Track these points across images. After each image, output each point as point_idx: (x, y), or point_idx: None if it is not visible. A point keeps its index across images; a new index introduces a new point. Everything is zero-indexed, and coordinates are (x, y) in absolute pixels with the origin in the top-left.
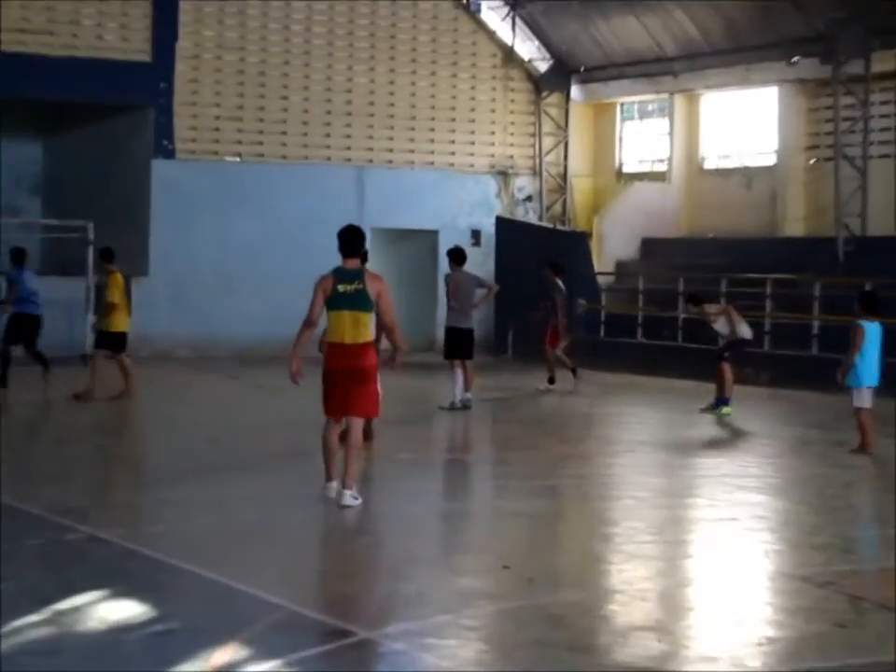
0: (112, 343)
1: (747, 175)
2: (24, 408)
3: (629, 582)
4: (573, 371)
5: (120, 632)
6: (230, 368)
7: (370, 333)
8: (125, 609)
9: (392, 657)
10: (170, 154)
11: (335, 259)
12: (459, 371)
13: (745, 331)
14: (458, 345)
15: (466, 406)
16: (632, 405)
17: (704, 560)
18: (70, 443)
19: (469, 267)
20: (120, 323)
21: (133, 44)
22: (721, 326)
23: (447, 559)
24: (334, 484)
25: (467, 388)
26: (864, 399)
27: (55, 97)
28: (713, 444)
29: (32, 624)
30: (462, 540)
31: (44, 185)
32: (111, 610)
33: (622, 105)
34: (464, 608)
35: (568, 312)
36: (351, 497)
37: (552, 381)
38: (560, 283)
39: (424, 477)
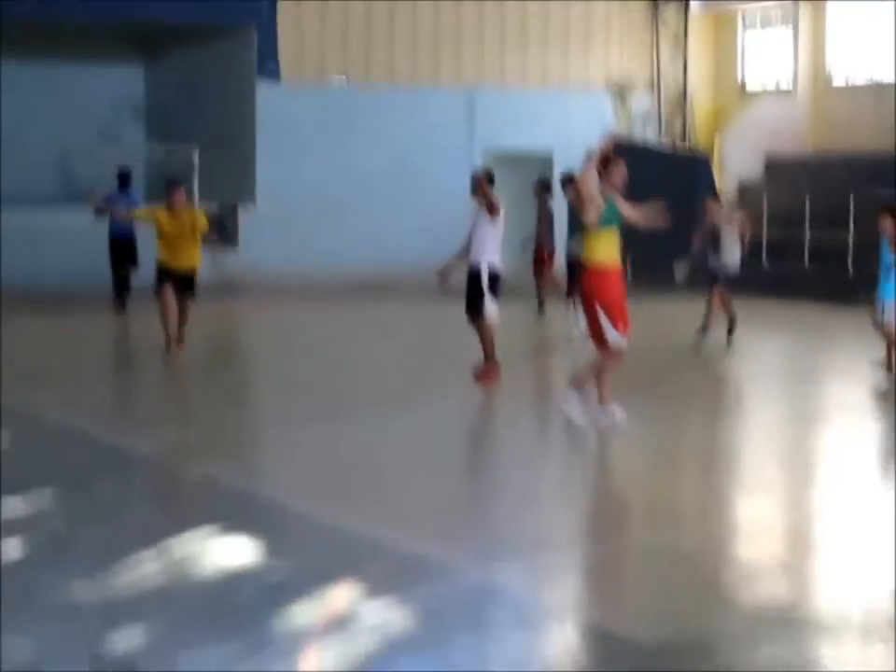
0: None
1: (877, 90)
2: (127, 341)
3: (756, 519)
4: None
5: (235, 575)
6: (341, 297)
7: None
8: (239, 551)
9: (510, 596)
10: (274, 75)
11: (445, 184)
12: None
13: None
14: None
15: None
16: (758, 333)
17: (834, 495)
18: (181, 377)
19: None
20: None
21: None
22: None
23: (566, 496)
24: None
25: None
26: None
27: (155, 18)
28: (843, 372)
29: (143, 563)
30: (583, 477)
31: (146, 110)
32: (225, 553)
33: (743, 15)
34: (583, 545)
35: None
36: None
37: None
38: (550, 203)
39: (543, 409)
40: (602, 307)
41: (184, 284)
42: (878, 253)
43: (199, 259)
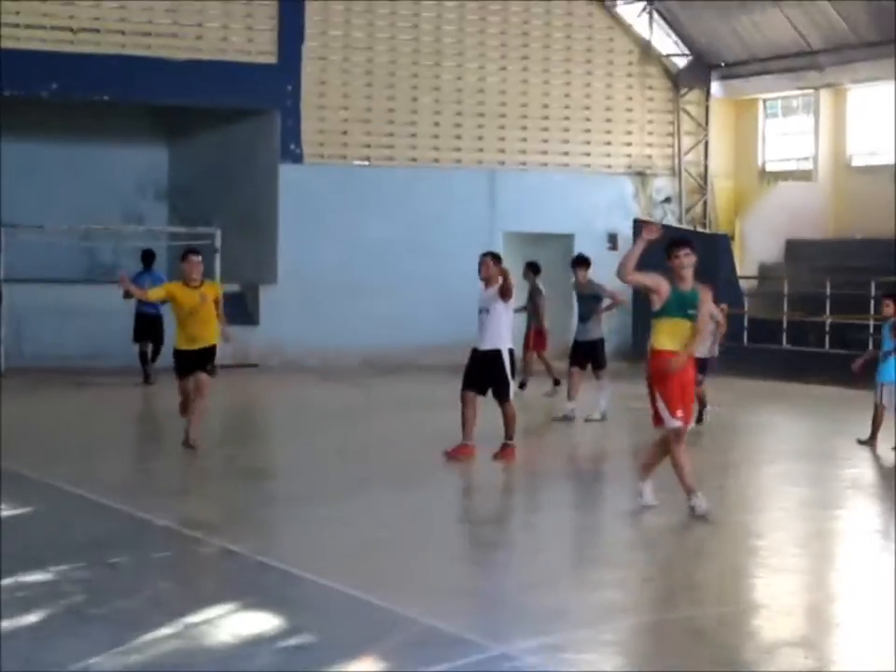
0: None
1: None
2: (149, 416)
3: (774, 597)
4: (556, 380)
5: (252, 646)
6: (359, 377)
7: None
8: (257, 623)
9: None
10: (297, 158)
11: (466, 264)
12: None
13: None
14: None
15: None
16: (776, 413)
17: (851, 574)
18: (196, 454)
19: (604, 271)
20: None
21: (258, 45)
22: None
23: (586, 572)
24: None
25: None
26: None
27: (180, 101)
28: (860, 454)
29: (162, 638)
30: (601, 553)
31: (169, 191)
32: (243, 624)
33: (764, 101)
34: (603, 622)
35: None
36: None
37: (556, 382)
38: (539, 284)
39: (562, 489)
40: (659, 392)
41: (202, 361)
42: (880, 337)
43: (217, 335)
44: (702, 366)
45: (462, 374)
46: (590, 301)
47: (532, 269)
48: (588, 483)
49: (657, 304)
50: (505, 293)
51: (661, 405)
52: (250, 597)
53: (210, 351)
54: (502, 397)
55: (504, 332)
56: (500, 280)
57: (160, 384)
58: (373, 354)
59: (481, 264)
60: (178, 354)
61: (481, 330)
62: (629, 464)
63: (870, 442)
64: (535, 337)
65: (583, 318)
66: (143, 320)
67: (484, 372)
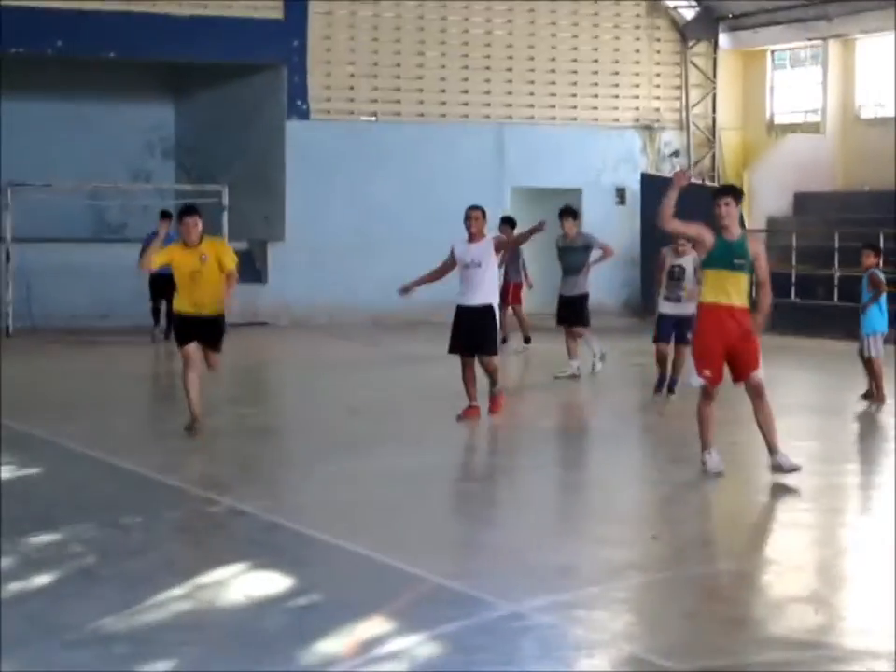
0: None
1: None
2: (158, 375)
3: (784, 552)
4: (527, 337)
5: (263, 605)
6: (368, 335)
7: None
8: (268, 583)
9: (540, 630)
10: (304, 114)
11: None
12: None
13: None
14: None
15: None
16: (784, 367)
17: (860, 529)
18: (208, 414)
19: (613, 226)
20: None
21: (264, 1)
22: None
23: (595, 529)
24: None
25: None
26: None
27: (186, 58)
28: (868, 408)
29: (173, 598)
30: (611, 510)
31: (176, 148)
32: (254, 584)
33: (772, 52)
34: (614, 579)
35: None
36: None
37: (527, 340)
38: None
39: (570, 446)
40: (692, 346)
41: (209, 334)
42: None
43: (224, 303)
44: (685, 325)
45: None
46: (579, 253)
47: (508, 223)
48: (593, 441)
49: (702, 254)
50: (507, 245)
51: (691, 360)
52: (261, 557)
53: (217, 323)
54: (490, 351)
55: (495, 287)
56: (494, 235)
57: (170, 342)
58: (382, 311)
59: (470, 218)
60: (180, 317)
61: (470, 285)
62: (634, 420)
63: (875, 397)
64: (513, 291)
65: (571, 271)
66: (157, 279)
67: (476, 328)
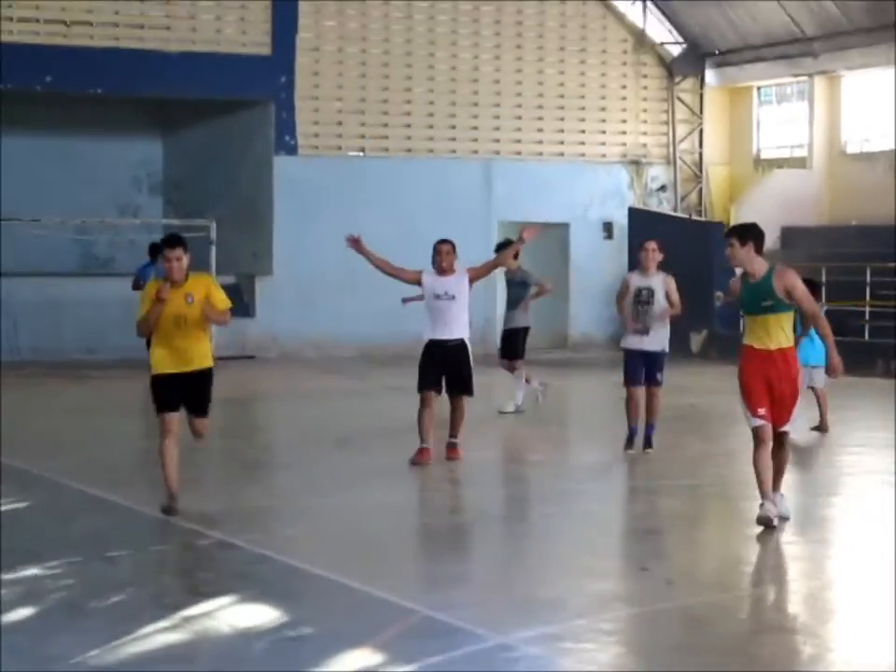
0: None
1: (892, 160)
2: (146, 409)
3: (772, 584)
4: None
5: (251, 638)
6: (356, 368)
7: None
8: (256, 615)
9: (528, 661)
10: (292, 150)
11: (462, 253)
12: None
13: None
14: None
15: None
16: None
17: (849, 561)
18: (196, 447)
19: (600, 260)
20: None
21: (252, 37)
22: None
23: (583, 561)
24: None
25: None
26: None
27: (174, 94)
28: (856, 441)
29: (160, 630)
30: (598, 543)
31: (164, 184)
32: (242, 616)
33: (759, 88)
34: (602, 611)
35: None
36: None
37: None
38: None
39: (558, 479)
40: (741, 386)
41: (196, 395)
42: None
43: (210, 355)
44: (653, 363)
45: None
46: (518, 287)
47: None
48: (580, 473)
49: (732, 299)
50: (481, 275)
51: (742, 402)
52: (249, 590)
53: (204, 380)
54: (466, 391)
55: (467, 321)
56: (467, 267)
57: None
58: (370, 345)
59: (440, 253)
60: (159, 381)
61: (443, 319)
62: (619, 453)
63: (821, 426)
64: None
65: (510, 305)
66: None
67: (450, 365)
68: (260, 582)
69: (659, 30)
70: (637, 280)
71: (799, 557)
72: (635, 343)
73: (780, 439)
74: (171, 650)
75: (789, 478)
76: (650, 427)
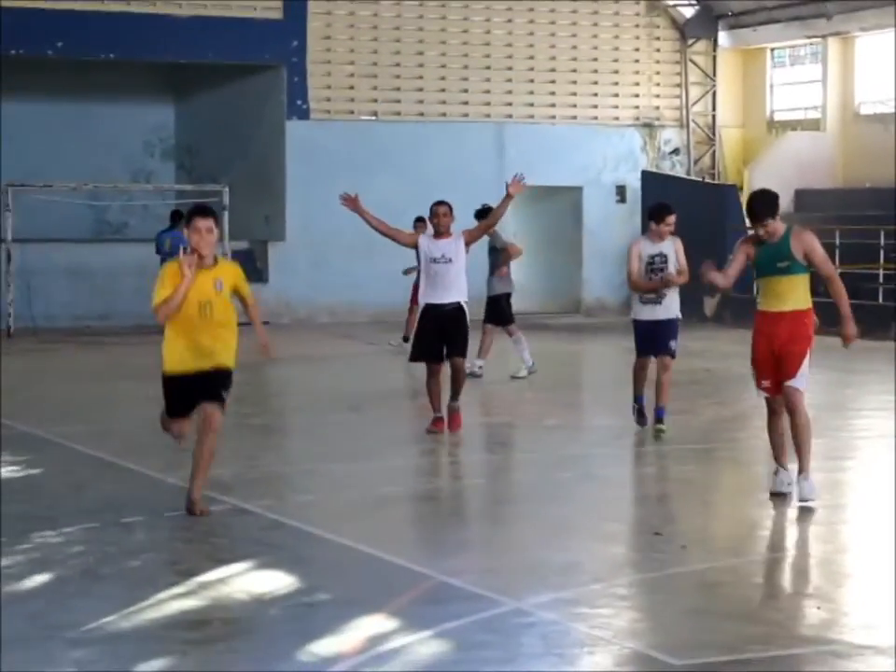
0: None
1: None
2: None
3: (786, 548)
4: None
5: (266, 603)
6: (370, 333)
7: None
8: (271, 581)
9: (543, 627)
10: (304, 114)
11: (475, 218)
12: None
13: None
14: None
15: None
16: None
17: (863, 525)
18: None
19: (613, 224)
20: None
21: (263, 1)
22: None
23: (598, 527)
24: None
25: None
26: None
27: (186, 58)
28: (870, 404)
29: (176, 596)
30: (612, 507)
31: (176, 149)
32: (256, 582)
33: (772, 50)
34: (616, 576)
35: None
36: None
37: (406, 339)
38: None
39: (571, 443)
40: (751, 359)
41: (210, 387)
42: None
43: (233, 353)
44: (666, 331)
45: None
46: (493, 253)
47: (422, 222)
48: (593, 438)
49: (743, 262)
50: (477, 237)
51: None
52: (264, 556)
53: (223, 377)
54: (462, 352)
55: (465, 285)
56: (463, 230)
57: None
58: (384, 310)
59: (437, 215)
60: (173, 382)
61: (440, 283)
62: (630, 417)
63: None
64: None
65: (490, 272)
66: None
67: (448, 330)
68: (275, 548)
69: None
70: (647, 247)
71: (813, 521)
72: (647, 313)
73: (788, 401)
74: (186, 615)
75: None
76: (660, 410)
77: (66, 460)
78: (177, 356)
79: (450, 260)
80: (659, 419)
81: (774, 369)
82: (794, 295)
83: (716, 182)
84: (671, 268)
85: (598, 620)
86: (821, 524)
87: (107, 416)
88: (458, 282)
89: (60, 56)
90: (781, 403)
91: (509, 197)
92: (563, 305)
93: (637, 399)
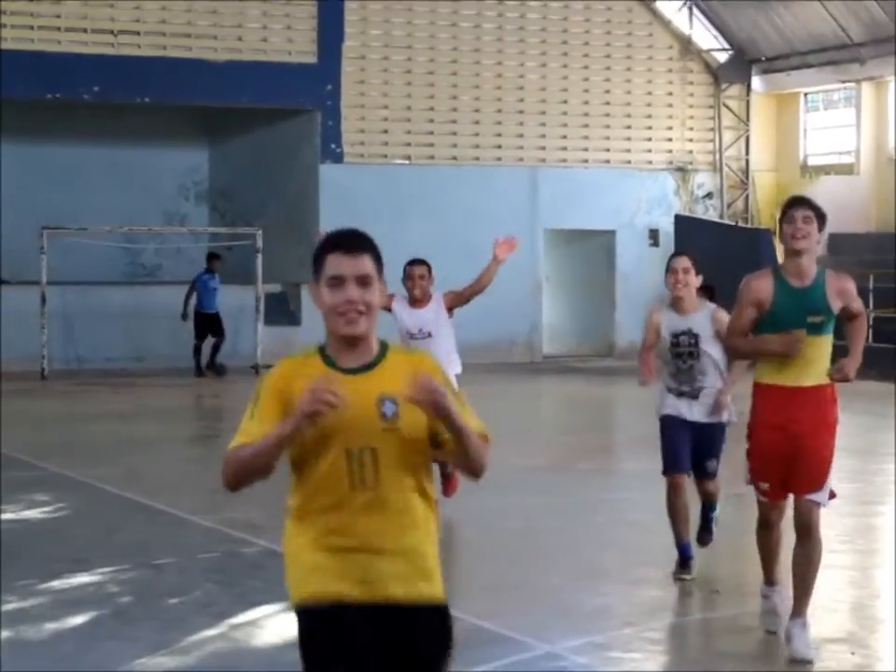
0: None
1: None
2: (193, 415)
3: (819, 593)
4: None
5: (298, 647)
6: None
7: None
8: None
9: (575, 670)
10: (338, 158)
11: (508, 262)
12: None
13: None
14: None
15: None
16: None
17: None
18: None
19: (646, 268)
20: None
21: (298, 45)
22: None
23: (630, 571)
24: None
25: None
26: None
27: (220, 103)
28: None
29: (208, 639)
30: (644, 552)
31: (210, 192)
32: (288, 625)
33: (805, 95)
34: (649, 620)
35: None
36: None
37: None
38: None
39: (604, 488)
40: (747, 448)
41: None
42: None
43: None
44: (706, 442)
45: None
46: None
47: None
48: (625, 482)
49: (750, 312)
50: (464, 300)
51: (747, 465)
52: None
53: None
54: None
55: (454, 357)
56: (444, 293)
57: (207, 382)
58: None
59: (414, 276)
60: (313, 621)
61: None
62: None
63: None
64: None
65: None
66: (202, 318)
67: None
68: None
69: (705, 36)
70: (668, 320)
71: (846, 567)
72: (678, 409)
73: (806, 517)
74: (218, 658)
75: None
76: (709, 509)
77: (98, 501)
78: (309, 564)
79: (429, 335)
80: (706, 529)
81: (782, 467)
82: (821, 364)
83: (749, 226)
84: (706, 353)
85: (630, 664)
86: (855, 568)
87: (141, 458)
88: (446, 359)
89: (96, 100)
90: (781, 514)
91: (496, 261)
92: (595, 349)
93: (683, 548)
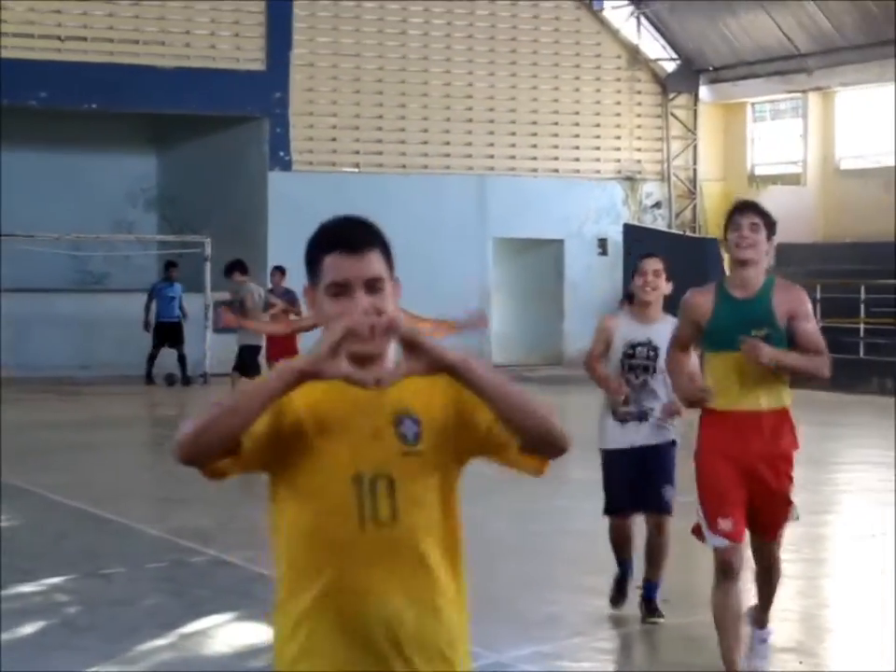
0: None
1: (885, 177)
2: (141, 424)
3: None
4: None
5: (248, 656)
6: None
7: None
8: (253, 633)
9: None
10: (286, 166)
11: (457, 271)
12: None
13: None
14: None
15: None
16: None
17: (844, 579)
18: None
19: (595, 276)
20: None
21: (246, 53)
22: None
23: (579, 580)
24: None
25: None
26: None
27: (169, 109)
28: (852, 458)
29: (158, 648)
30: (593, 560)
31: (158, 199)
32: (238, 634)
33: (753, 105)
34: (598, 630)
35: None
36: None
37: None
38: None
39: (553, 497)
40: (697, 484)
41: None
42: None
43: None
44: (655, 467)
45: None
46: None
47: (279, 270)
48: (575, 490)
49: (689, 329)
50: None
51: (698, 508)
52: (246, 608)
53: None
54: None
55: None
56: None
57: (156, 390)
58: None
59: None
60: None
61: None
62: None
63: None
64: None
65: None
66: (159, 327)
67: None
68: (256, 600)
69: (653, 46)
70: (626, 328)
71: (794, 576)
72: (622, 437)
73: (767, 558)
74: (167, 667)
75: None
76: (651, 587)
77: (46, 510)
78: (303, 635)
79: None
80: (649, 601)
81: (740, 500)
82: (775, 384)
83: (697, 235)
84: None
85: None
86: (802, 578)
87: (88, 467)
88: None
89: (43, 106)
90: (742, 559)
91: (451, 326)
92: (545, 357)
93: (623, 563)
